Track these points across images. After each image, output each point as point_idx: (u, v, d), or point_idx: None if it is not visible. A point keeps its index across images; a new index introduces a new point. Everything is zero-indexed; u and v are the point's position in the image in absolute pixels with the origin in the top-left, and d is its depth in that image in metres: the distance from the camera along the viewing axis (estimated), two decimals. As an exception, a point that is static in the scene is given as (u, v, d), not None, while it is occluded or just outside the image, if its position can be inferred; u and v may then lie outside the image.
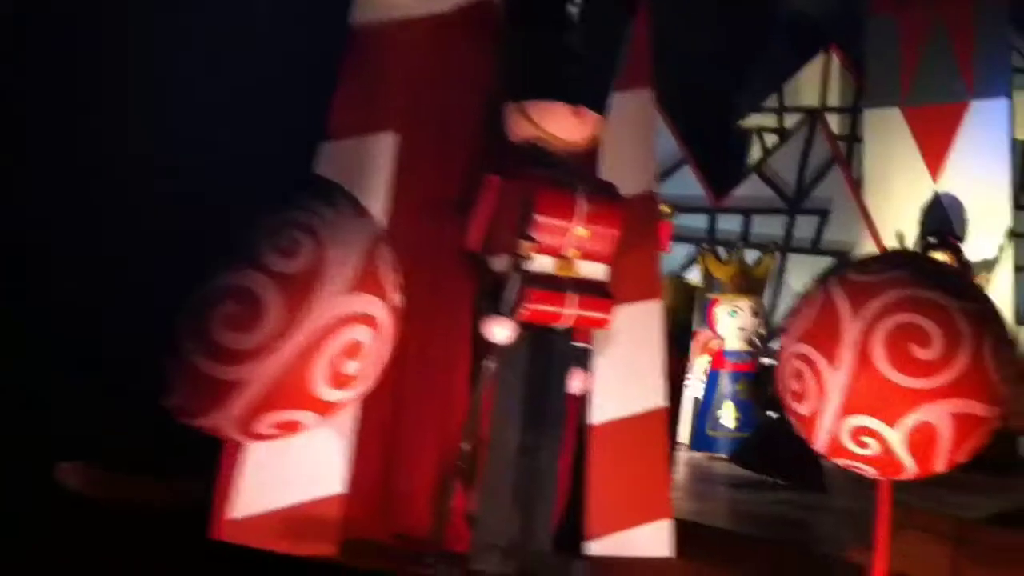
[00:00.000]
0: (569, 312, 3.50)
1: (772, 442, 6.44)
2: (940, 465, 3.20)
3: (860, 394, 3.10)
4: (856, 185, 8.77)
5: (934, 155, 9.28)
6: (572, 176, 3.60)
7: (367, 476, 3.55)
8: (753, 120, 10.02)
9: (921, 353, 3.05)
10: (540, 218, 3.47)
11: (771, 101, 9.98)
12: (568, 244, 3.51)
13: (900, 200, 9.32)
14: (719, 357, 7.09)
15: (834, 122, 9.87)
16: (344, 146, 3.50)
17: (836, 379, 3.12)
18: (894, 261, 3.35)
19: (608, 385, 3.80)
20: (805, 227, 8.53)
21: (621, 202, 3.64)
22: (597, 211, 3.55)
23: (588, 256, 3.56)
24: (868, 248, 8.65)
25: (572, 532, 3.77)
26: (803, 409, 3.25)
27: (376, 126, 3.56)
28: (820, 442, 3.26)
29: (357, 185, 3.27)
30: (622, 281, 3.62)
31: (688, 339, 7.36)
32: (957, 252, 8.95)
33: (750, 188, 8.49)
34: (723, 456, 6.74)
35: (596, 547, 3.81)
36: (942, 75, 9.22)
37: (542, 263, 3.51)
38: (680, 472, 6.26)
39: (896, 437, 3.10)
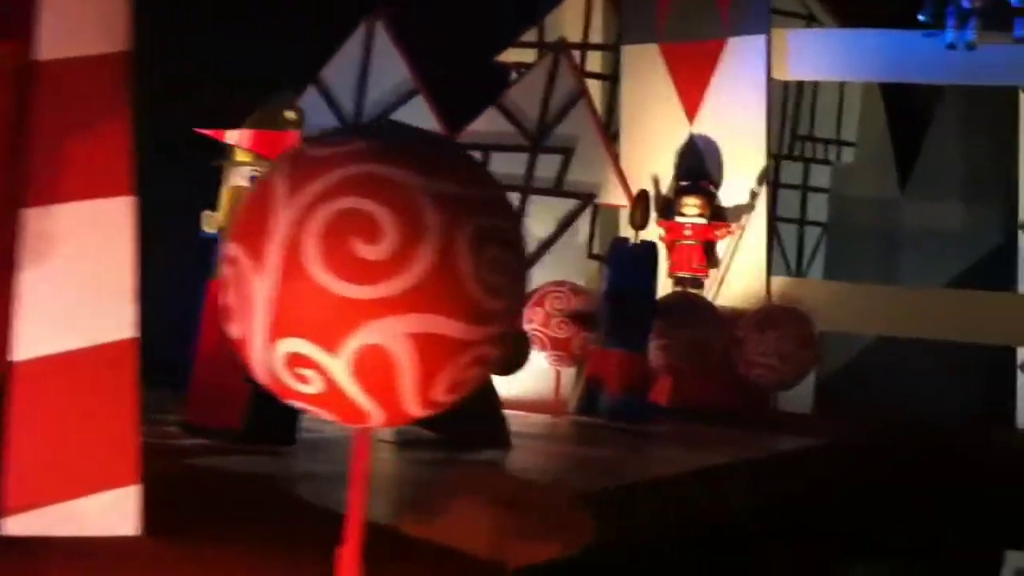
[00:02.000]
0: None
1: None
2: (411, 405, 2.37)
3: (289, 309, 2.27)
4: (604, 124, 8.22)
5: (691, 94, 8.79)
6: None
7: None
8: (511, 55, 9.37)
9: (366, 251, 2.22)
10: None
11: (531, 36, 9.33)
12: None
13: (656, 141, 8.80)
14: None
15: (598, 60, 9.31)
16: None
17: (262, 289, 2.29)
18: (365, 130, 2.60)
19: (44, 308, 2.95)
20: (548, 166, 7.94)
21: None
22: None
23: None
24: (614, 192, 8.16)
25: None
26: (235, 331, 2.41)
27: None
28: (259, 376, 2.44)
29: None
30: (68, 171, 2.82)
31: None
32: (710, 197, 8.54)
33: (489, 123, 7.83)
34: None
35: (16, 524, 2.96)
36: (699, 10, 8.74)
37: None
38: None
39: (340, 367, 2.29)
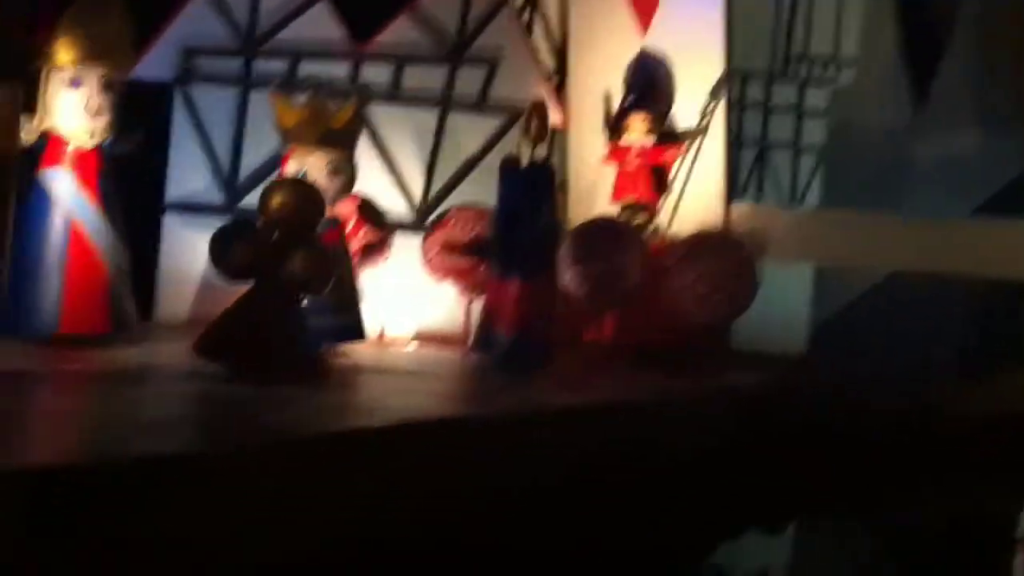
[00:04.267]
0: None
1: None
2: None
3: None
4: (528, 32, 7.44)
5: (644, 4, 7.97)
6: None
7: None
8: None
9: None
10: None
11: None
12: None
13: (607, 55, 8.01)
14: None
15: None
16: None
17: None
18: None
19: None
20: (469, 80, 7.20)
21: None
22: None
23: None
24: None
25: None
26: None
27: None
28: None
29: None
30: None
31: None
32: (659, 116, 7.70)
33: (402, 33, 7.10)
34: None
35: None
36: (654, -95, 7.88)
37: None
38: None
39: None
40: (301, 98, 5.86)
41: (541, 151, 5.81)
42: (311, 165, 5.66)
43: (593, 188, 7.78)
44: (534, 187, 5.80)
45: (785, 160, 9.82)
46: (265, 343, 4.25)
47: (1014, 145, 9.67)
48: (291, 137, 5.70)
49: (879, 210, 8.87)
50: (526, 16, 8.26)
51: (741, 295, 6.52)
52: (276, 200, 4.49)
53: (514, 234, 5.68)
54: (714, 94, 7.73)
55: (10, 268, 4.73)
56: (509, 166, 5.85)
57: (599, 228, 6.64)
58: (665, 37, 7.85)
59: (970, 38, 9.92)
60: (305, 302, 5.22)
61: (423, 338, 6.73)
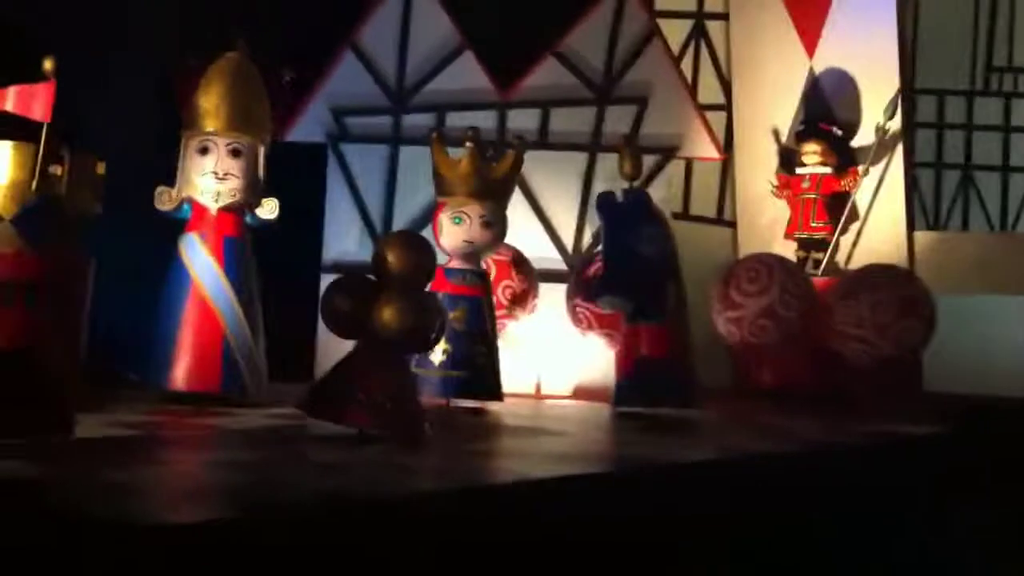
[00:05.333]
0: None
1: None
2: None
3: None
4: (678, 64, 7.09)
5: (809, 24, 7.52)
6: None
7: None
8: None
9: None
10: None
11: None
12: None
13: (774, 83, 7.59)
14: (439, 275, 5.60)
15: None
16: None
17: None
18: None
19: None
20: (619, 120, 6.95)
21: None
22: None
23: None
24: (700, 144, 7.04)
25: None
26: None
27: None
28: None
29: None
30: None
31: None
32: (834, 141, 7.21)
33: (547, 76, 6.93)
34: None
35: None
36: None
37: None
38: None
39: None
40: (459, 149, 5.75)
41: (636, 187, 5.49)
42: (465, 217, 5.57)
43: (767, 223, 7.37)
44: (631, 219, 5.44)
45: (994, 183, 9.05)
46: (364, 398, 4.12)
47: None
48: (448, 188, 5.59)
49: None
50: (691, 48, 8.00)
51: (911, 334, 5.95)
52: (382, 254, 4.37)
53: (627, 273, 5.34)
54: (889, 114, 7.18)
55: (146, 324, 4.94)
56: (606, 201, 5.54)
57: (750, 267, 6.23)
58: (834, 58, 7.39)
59: None
60: (417, 358, 5.09)
61: (580, 394, 6.47)
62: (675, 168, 7.35)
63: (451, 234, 5.63)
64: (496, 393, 5.59)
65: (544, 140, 6.85)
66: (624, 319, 5.52)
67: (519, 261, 6.27)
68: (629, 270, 5.37)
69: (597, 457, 4.51)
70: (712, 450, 4.56)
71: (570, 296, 6.22)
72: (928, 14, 8.65)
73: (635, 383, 5.40)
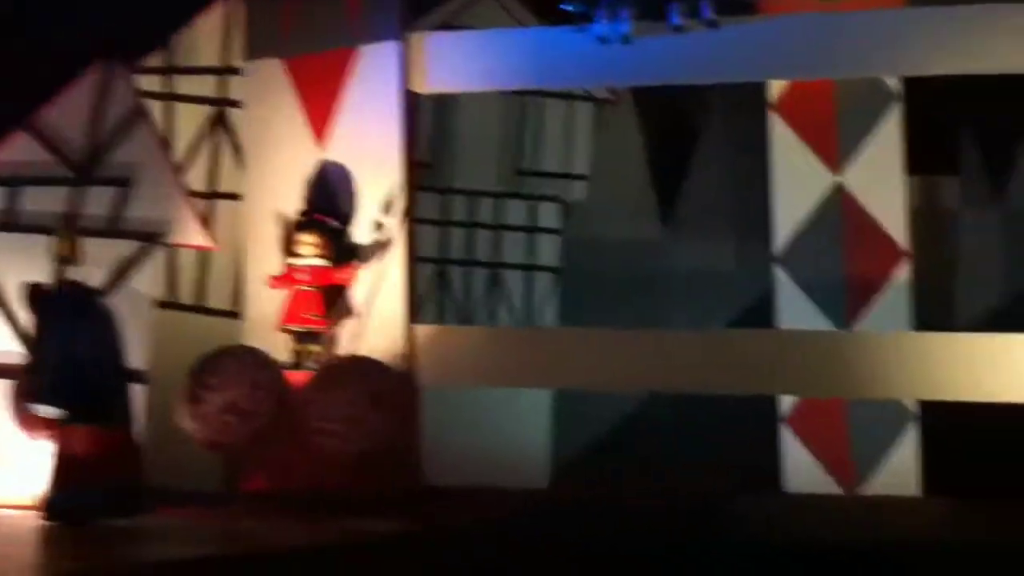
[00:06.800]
0: None
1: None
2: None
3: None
4: (167, 147, 6.78)
5: (319, 113, 7.41)
6: None
7: None
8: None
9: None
10: None
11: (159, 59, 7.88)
12: None
13: (284, 171, 7.41)
14: None
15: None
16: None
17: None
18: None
19: None
20: (100, 202, 6.50)
21: None
22: None
23: None
24: (188, 230, 6.73)
25: None
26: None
27: None
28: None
29: None
30: None
31: None
32: (332, 234, 7.09)
33: (19, 151, 6.39)
34: None
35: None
36: (325, 15, 7.38)
37: None
38: None
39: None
40: None
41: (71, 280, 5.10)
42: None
43: (268, 314, 7.08)
44: (75, 313, 5.05)
45: (518, 281, 9.30)
46: None
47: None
48: None
49: (626, 327, 8.28)
50: (214, 133, 7.72)
51: (382, 427, 5.82)
52: None
53: (66, 378, 4.90)
54: (387, 208, 7.14)
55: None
56: (38, 295, 5.11)
57: (218, 360, 5.90)
58: (342, 150, 7.31)
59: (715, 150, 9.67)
60: None
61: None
62: (187, 256, 6.99)
63: None
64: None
65: (11, 219, 6.27)
66: (59, 422, 5.03)
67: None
68: (67, 375, 4.92)
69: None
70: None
71: (16, 395, 5.64)
72: (466, 119, 8.87)
73: (67, 494, 4.92)
